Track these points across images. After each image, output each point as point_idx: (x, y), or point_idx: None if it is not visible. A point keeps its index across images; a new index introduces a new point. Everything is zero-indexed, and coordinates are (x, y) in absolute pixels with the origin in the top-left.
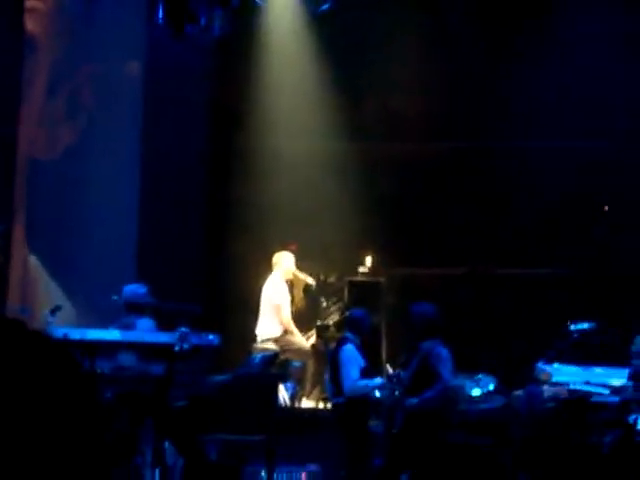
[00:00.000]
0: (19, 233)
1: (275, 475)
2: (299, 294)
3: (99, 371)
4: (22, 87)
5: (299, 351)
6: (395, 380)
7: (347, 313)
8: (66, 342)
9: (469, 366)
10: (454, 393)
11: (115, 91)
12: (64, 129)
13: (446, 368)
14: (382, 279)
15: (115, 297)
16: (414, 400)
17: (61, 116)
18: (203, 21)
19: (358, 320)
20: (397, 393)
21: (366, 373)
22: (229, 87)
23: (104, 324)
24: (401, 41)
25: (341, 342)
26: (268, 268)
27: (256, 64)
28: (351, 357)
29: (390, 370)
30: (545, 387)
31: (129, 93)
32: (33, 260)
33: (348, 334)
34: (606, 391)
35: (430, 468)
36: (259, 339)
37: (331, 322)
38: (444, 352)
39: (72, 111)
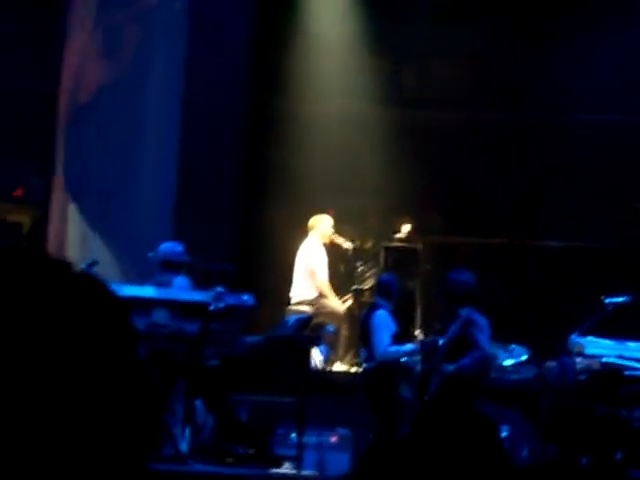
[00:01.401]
0: (58, 185)
1: (305, 437)
2: (335, 258)
3: None
4: (64, 37)
5: (333, 315)
6: (430, 347)
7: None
8: None
9: (503, 336)
10: (489, 362)
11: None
12: (103, 65)
13: (484, 336)
14: (418, 245)
15: (151, 254)
16: (451, 367)
17: (102, 52)
18: None
19: (387, 285)
20: (433, 359)
21: (398, 339)
22: (269, 49)
23: (140, 281)
24: (446, 6)
25: (373, 307)
26: (303, 231)
27: (296, 26)
28: (382, 322)
29: (422, 336)
30: (578, 359)
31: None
32: (72, 213)
33: (379, 299)
34: (639, 365)
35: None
36: (293, 301)
37: (366, 287)
38: (482, 320)
39: (114, 47)
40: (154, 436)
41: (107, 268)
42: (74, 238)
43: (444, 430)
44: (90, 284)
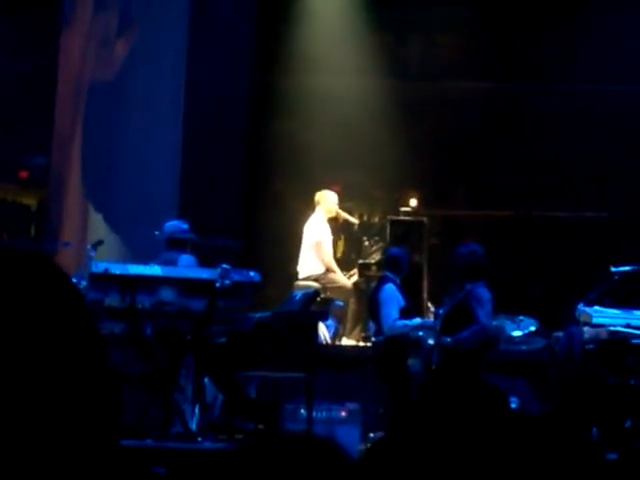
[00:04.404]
0: (72, 165)
1: (314, 412)
2: (342, 233)
3: (140, 306)
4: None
5: (341, 289)
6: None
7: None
8: (108, 277)
9: (511, 307)
10: (493, 335)
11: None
12: (118, 44)
13: (484, 310)
14: (425, 219)
15: (157, 232)
16: (448, 339)
17: (113, 31)
18: None
19: (396, 259)
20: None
21: (406, 313)
22: (271, 25)
23: (146, 260)
24: None
25: (381, 281)
26: (309, 206)
27: (297, 1)
28: (391, 296)
29: (433, 309)
30: (585, 329)
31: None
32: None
33: (388, 273)
34: None
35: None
36: (301, 276)
37: (373, 261)
38: (485, 294)
39: (123, 25)
40: (117, 412)
41: (113, 248)
42: (81, 219)
43: (450, 401)
44: (44, 268)
